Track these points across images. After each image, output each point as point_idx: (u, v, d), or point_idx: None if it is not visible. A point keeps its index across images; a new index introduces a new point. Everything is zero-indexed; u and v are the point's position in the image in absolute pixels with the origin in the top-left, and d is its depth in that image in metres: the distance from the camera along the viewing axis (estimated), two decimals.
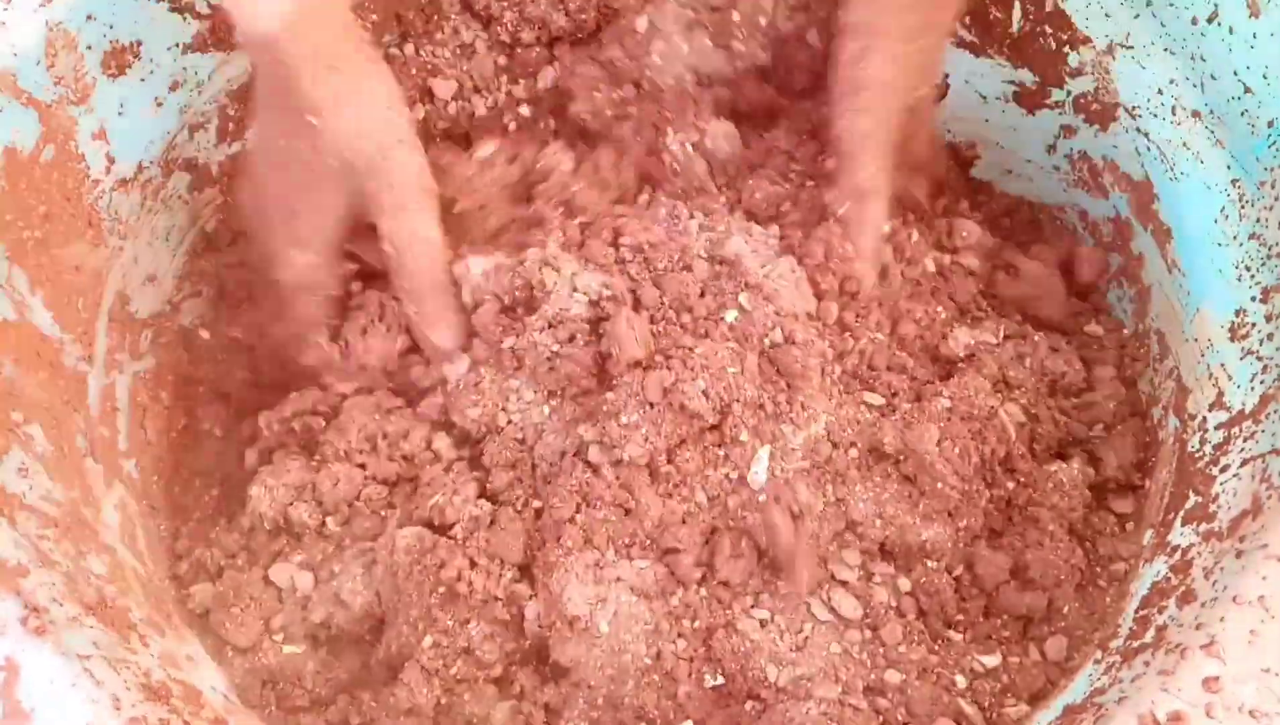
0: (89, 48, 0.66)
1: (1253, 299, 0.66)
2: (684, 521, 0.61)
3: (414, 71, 0.82)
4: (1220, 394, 0.66)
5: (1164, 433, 0.71)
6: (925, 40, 0.66)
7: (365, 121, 0.63)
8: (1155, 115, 0.72)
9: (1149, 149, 0.73)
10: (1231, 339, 0.67)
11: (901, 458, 0.64)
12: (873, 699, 0.60)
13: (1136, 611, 0.62)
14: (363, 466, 0.66)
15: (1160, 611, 0.59)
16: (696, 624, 0.61)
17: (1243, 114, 0.66)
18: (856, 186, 0.69)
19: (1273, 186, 0.65)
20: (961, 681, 0.62)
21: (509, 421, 0.65)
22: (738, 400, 0.61)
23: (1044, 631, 0.64)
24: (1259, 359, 0.65)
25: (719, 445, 0.62)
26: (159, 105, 0.72)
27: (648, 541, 0.61)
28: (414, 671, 0.61)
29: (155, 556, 0.66)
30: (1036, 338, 0.72)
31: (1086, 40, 0.75)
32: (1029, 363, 0.70)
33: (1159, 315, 0.74)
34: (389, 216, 0.66)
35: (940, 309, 0.71)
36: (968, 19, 0.82)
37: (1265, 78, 0.64)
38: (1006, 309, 0.75)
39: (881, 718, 0.60)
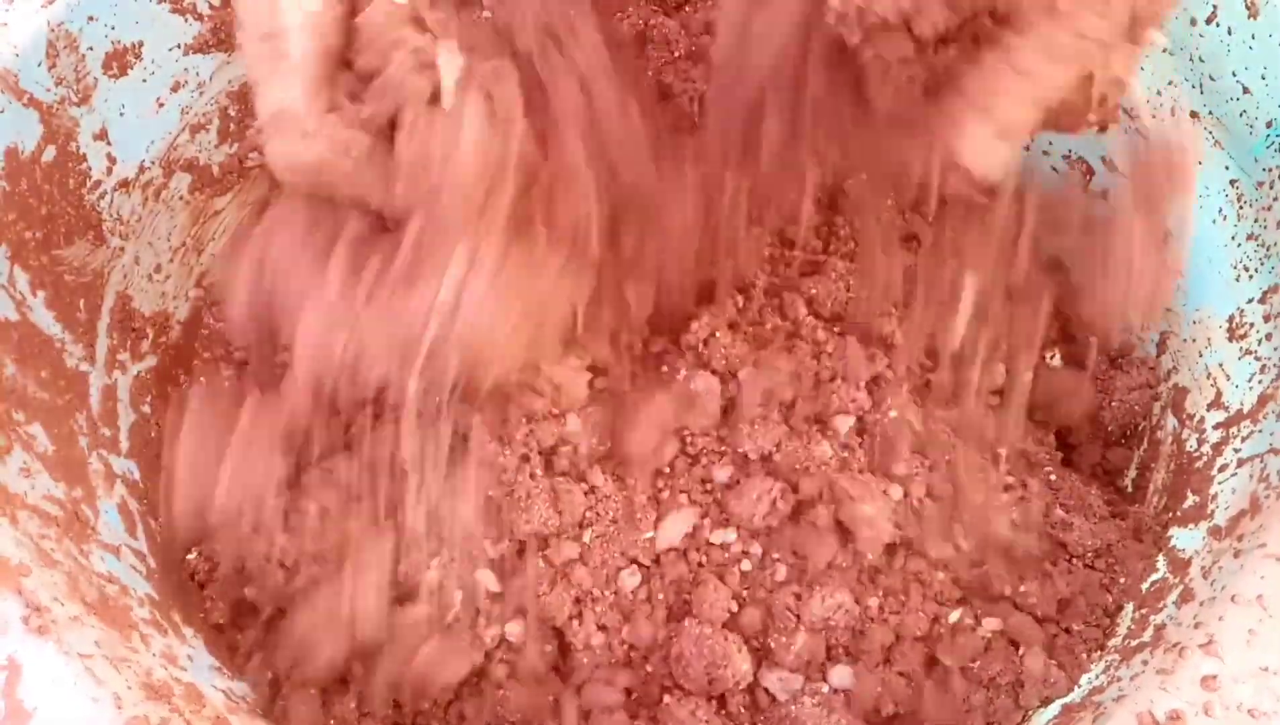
0: (90, 48, 0.66)
1: (1251, 299, 0.66)
2: None
3: None
4: (1219, 394, 0.67)
5: (1162, 432, 0.71)
6: None
7: None
8: (1154, 116, 0.73)
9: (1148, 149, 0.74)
10: (1230, 339, 0.67)
11: None
12: None
13: (1135, 610, 0.62)
14: None
15: (1159, 610, 0.59)
16: None
17: (1241, 115, 0.66)
18: None
19: (1271, 187, 0.65)
20: None
21: None
22: None
23: None
24: (1257, 359, 0.65)
25: None
26: (160, 106, 0.72)
27: None
28: None
29: (157, 556, 0.66)
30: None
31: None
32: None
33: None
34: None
35: None
36: None
37: (1264, 78, 0.64)
38: None
39: None
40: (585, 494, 0.62)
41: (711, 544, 0.62)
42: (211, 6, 0.72)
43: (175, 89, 0.73)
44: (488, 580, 0.62)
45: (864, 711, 0.61)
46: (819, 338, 0.67)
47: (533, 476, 0.62)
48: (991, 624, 0.63)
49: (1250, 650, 0.50)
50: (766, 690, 0.61)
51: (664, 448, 0.64)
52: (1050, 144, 0.81)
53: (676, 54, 0.81)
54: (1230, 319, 0.67)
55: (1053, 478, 0.69)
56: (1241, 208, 0.67)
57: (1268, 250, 0.65)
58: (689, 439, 0.64)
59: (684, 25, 0.82)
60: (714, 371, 0.65)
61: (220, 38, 0.73)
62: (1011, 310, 0.67)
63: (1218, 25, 0.66)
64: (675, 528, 0.62)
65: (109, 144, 0.69)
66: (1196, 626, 0.53)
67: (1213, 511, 0.62)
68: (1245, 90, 0.65)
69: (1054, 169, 0.82)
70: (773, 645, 0.61)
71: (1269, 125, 0.64)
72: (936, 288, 0.70)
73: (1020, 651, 0.62)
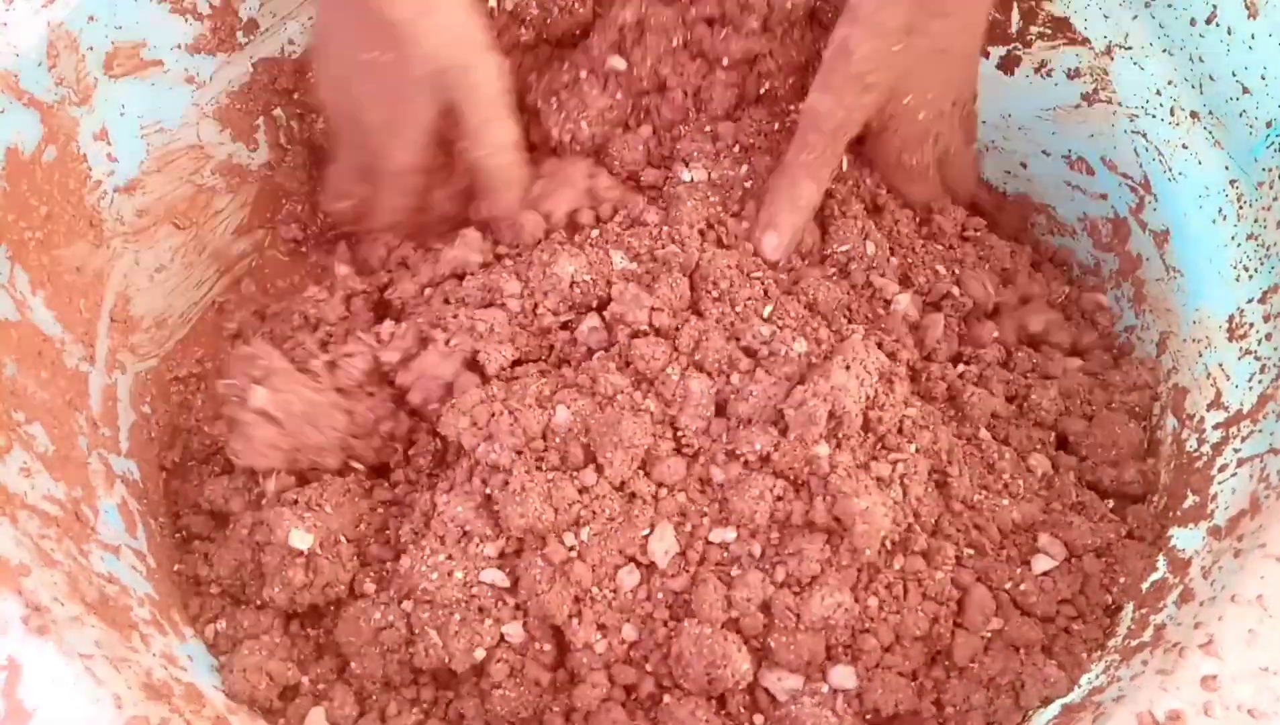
0: (90, 49, 0.66)
1: (1250, 299, 0.66)
2: None
3: None
4: (1218, 394, 0.67)
5: (1162, 433, 0.71)
6: (915, 43, 0.66)
7: (447, 32, 0.65)
8: (1154, 116, 0.73)
9: (1147, 150, 0.74)
10: (1230, 339, 0.67)
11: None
12: None
13: (1135, 610, 0.62)
14: None
15: (1159, 610, 0.59)
16: None
17: (1241, 114, 0.66)
18: (787, 162, 0.70)
19: (1270, 187, 0.65)
20: None
21: None
22: None
23: None
24: (1257, 359, 0.65)
25: None
26: (160, 106, 0.72)
27: None
28: None
29: (157, 556, 0.67)
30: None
31: (1085, 41, 0.75)
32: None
33: (1157, 316, 0.74)
34: (475, 127, 0.69)
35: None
36: None
37: (1263, 78, 0.64)
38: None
39: None
40: (580, 491, 0.63)
41: (711, 543, 0.62)
42: (211, 6, 0.72)
43: (175, 89, 0.73)
44: (496, 578, 0.62)
45: (864, 711, 0.61)
46: (820, 337, 0.67)
47: (526, 471, 0.63)
48: (992, 623, 0.63)
49: (1250, 650, 0.50)
50: (766, 690, 0.61)
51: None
52: (1052, 135, 0.81)
53: (674, 43, 0.80)
54: (1230, 319, 0.67)
55: (1052, 476, 0.69)
56: (1241, 208, 0.67)
57: (1267, 250, 0.65)
58: (685, 438, 0.64)
59: (681, 16, 0.81)
60: (707, 373, 0.65)
61: (220, 38, 0.73)
62: None
63: (1217, 25, 0.66)
64: (661, 544, 0.62)
65: (109, 144, 0.69)
66: (1196, 626, 0.53)
67: (1213, 511, 0.62)
68: (1245, 90, 0.65)
69: (1054, 168, 0.82)
70: (773, 645, 0.61)
71: (1269, 125, 0.64)
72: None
73: (1020, 651, 0.62)
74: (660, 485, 0.63)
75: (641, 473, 0.63)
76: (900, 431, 0.65)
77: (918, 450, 0.65)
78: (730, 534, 0.62)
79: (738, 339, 0.66)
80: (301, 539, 0.65)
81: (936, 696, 0.62)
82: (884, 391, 0.65)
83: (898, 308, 0.72)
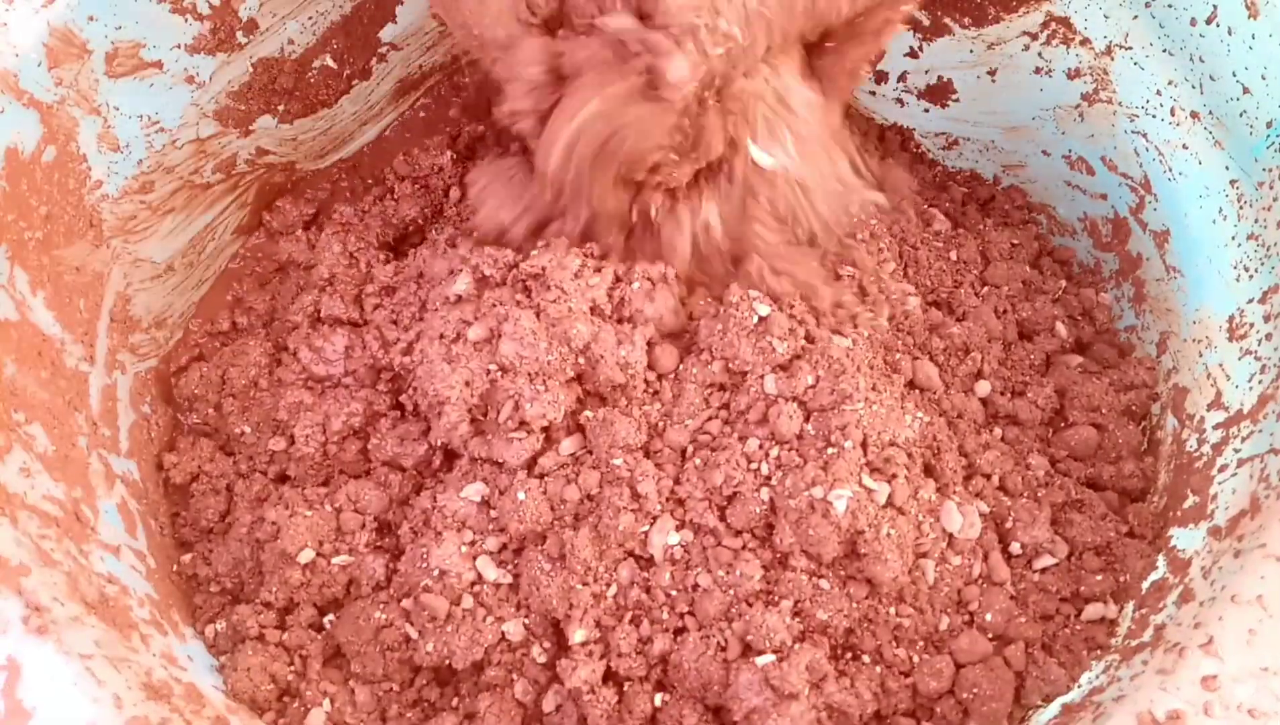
0: (90, 49, 0.66)
1: (1251, 299, 0.66)
2: None
3: None
4: (1219, 394, 0.67)
5: (1162, 433, 0.71)
6: None
7: None
8: (1154, 116, 0.73)
9: (1147, 150, 0.74)
10: (1230, 339, 0.67)
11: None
12: None
13: (1135, 610, 0.62)
14: None
15: (1159, 610, 0.59)
16: None
17: (1241, 114, 0.66)
18: None
19: (1271, 187, 0.65)
20: None
21: None
22: None
23: None
24: (1257, 359, 0.65)
25: None
26: (160, 106, 0.72)
27: None
28: None
29: (157, 556, 0.67)
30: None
31: (1085, 41, 0.75)
32: None
33: (1157, 315, 0.74)
34: None
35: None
36: (969, 17, 0.82)
37: (1264, 78, 0.64)
38: None
39: None
40: (579, 491, 0.63)
41: (711, 544, 0.62)
42: (211, 6, 0.72)
43: (175, 89, 0.73)
44: (497, 575, 0.62)
45: (863, 712, 0.61)
46: (818, 359, 0.67)
47: (526, 472, 0.63)
48: (992, 620, 0.63)
49: (1250, 650, 0.50)
50: (766, 691, 0.61)
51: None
52: (1052, 135, 0.81)
53: None
54: (1230, 319, 0.67)
55: (1054, 476, 0.69)
56: (1242, 208, 0.67)
57: (1268, 250, 0.65)
58: (683, 438, 0.64)
59: None
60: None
61: (220, 38, 0.73)
62: None
63: (1218, 25, 0.66)
64: (661, 538, 0.62)
65: (109, 144, 0.69)
66: (1196, 626, 0.53)
67: (1213, 511, 0.62)
68: (1245, 90, 0.65)
69: (1054, 167, 0.82)
70: (771, 646, 0.61)
71: (1269, 125, 0.64)
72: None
73: (1021, 649, 0.62)
74: (660, 480, 0.63)
75: (642, 468, 0.63)
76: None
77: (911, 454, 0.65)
78: (731, 534, 0.62)
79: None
80: (299, 538, 0.65)
81: (937, 694, 0.62)
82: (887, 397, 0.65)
83: (909, 308, 0.72)
